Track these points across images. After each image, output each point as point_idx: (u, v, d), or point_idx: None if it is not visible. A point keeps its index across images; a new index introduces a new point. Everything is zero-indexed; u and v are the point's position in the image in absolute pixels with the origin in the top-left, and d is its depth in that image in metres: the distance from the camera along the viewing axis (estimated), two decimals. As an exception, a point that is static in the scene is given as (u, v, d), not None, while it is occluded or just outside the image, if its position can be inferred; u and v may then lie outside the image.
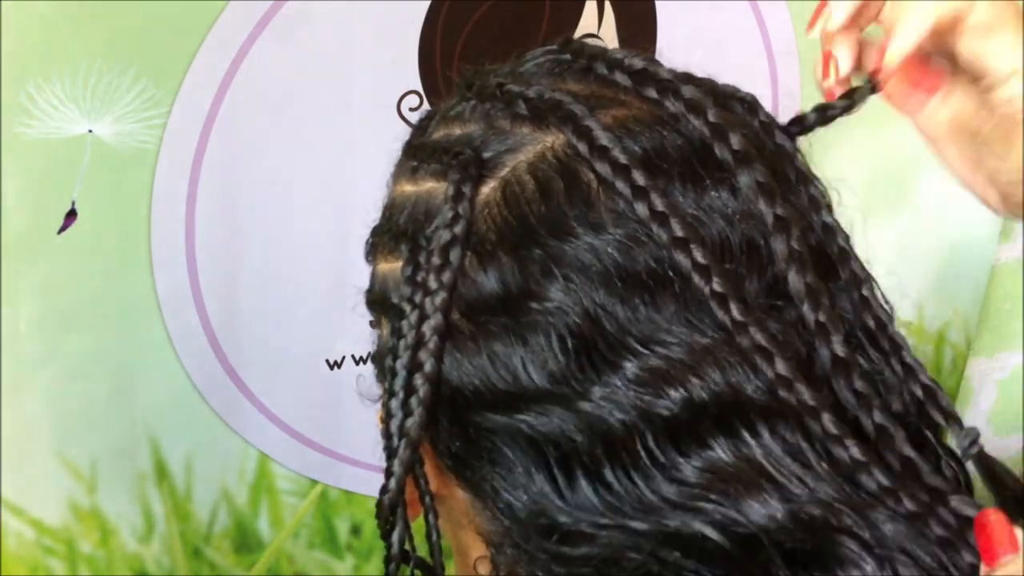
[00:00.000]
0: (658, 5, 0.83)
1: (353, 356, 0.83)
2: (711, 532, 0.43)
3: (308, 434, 0.84)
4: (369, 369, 0.54)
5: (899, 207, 0.99)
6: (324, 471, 0.86)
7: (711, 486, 0.44)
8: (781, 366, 0.45)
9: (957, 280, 1.07)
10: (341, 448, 0.85)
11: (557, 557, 0.46)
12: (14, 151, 0.66)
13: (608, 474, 0.45)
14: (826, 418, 0.45)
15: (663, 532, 0.44)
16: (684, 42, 0.84)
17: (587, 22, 0.81)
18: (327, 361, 0.82)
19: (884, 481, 0.44)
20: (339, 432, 0.85)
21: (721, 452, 0.44)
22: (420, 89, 0.77)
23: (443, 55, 0.76)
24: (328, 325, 0.81)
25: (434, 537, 0.50)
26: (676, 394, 0.44)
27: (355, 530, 0.88)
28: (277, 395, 0.81)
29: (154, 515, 0.80)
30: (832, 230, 0.50)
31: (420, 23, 0.75)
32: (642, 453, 0.44)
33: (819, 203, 0.50)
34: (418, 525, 0.51)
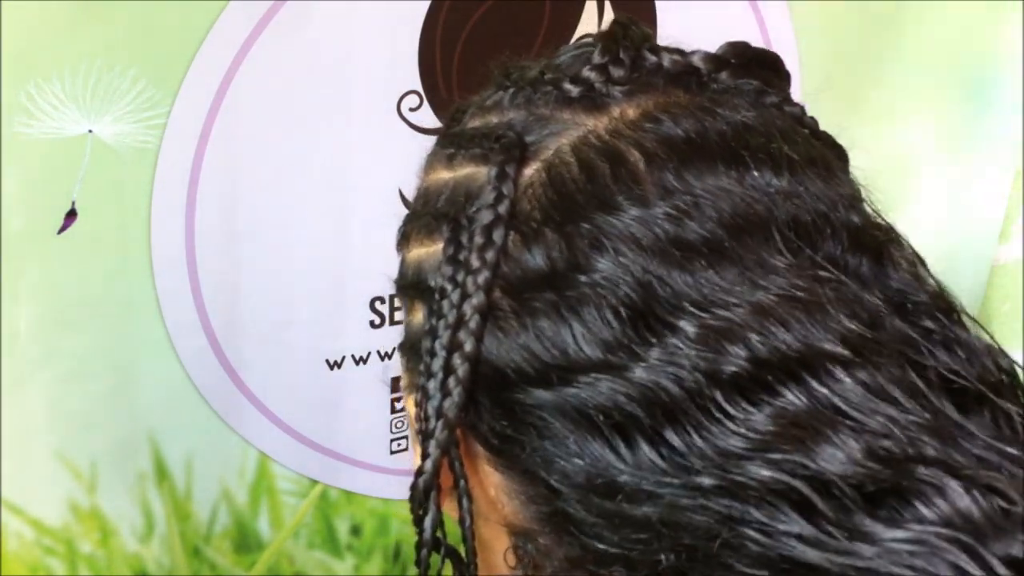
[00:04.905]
0: (658, 5, 0.83)
1: (353, 356, 0.83)
2: (785, 479, 0.42)
3: (308, 434, 0.84)
4: (385, 364, 0.53)
5: (899, 207, 0.99)
6: (324, 471, 0.86)
7: (784, 433, 0.42)
8: (851, 321, 0.44)
9: (957, 280, 1.06)
10: (341, 448, 0.85)
11: (615, 516, 0.44)
12: (14, 151, 0.66)
13: (670, 434, 0.43)
14: (906, 362, 0.44)
15: (732, 485, 0.42)
16: (684, 42, 0.84)
17: (587, 22, 0.81)
18: (327, 361, 0.82)
19: (970, 414, 0.43)
20: (339, 432, 0.85)
21: (794, 398, 0.43)
22: (420, 89, 0.77)
23: (443, 55, 0.76)
24: (328, 325, 0.81)
25: (468, 522, 0.50)
26: (740, 351, 0.43)
27: (355, 530, 0.88)
28: (277, 395, 0.81)
29: (154, 515, 0.80)
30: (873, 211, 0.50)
31: (420, 23, 0.75)
32: (710, 408, 0.43)
33: (856, 188, 0.51)
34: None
